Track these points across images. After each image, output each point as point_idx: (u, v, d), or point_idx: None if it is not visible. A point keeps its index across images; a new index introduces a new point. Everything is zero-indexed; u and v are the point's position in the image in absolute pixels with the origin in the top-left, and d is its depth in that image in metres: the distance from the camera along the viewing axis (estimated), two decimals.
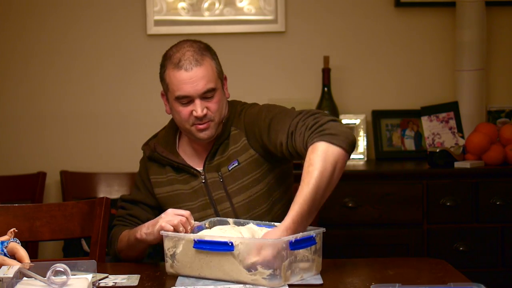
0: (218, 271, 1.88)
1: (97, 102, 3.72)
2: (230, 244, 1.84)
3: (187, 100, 2.20)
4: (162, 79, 2.26)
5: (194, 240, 1.90)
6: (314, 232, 1.92)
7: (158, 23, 3.69)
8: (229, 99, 2.34)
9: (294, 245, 1.85)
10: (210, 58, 2.23)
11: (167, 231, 1.99)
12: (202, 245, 1.89)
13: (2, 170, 3.64)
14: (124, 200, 2.39)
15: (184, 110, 2.21)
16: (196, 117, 2.20)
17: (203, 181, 2.28)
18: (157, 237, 2.05)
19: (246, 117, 2.27)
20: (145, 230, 2.10)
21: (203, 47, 2.25)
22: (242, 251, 1.83)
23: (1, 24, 3.71)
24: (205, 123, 2.21)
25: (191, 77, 2.18)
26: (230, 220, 2.12)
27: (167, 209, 2.28)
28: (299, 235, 1.87)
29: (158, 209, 2.33)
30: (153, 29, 3.69)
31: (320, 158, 1.95)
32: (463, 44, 3.55)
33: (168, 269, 1.97)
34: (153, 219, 2.25)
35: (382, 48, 3.73)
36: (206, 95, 2.20)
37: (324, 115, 2.10)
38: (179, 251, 1.94)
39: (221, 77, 2.27)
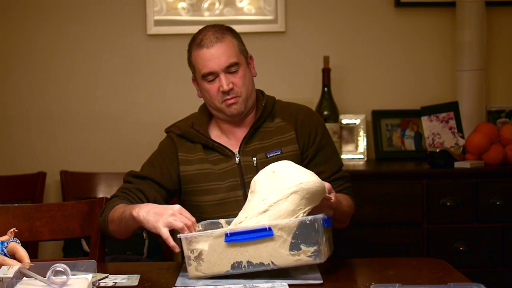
0: (256, 259, 1.84)
1: (97, 102, 3.72)
2: (268, 229, 1.83)
3: (213, 76, 2.29)
4: (190, 62, 2.37)
5: (226, 233, 1.85)
6: (327, 215, 1.95)
7: (158, 23, 3.69)
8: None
9: (327, 222, 1.88)
10: (231, 37, 2.34)
11: (168, 243, 1.94)
12: (236, 237, 1.84)
13: (2, 170, 3.64)
14: (133, 176, 2.33)
15: (212, 88, 2.30)
16: (223, 92, 2.28)
17: (237, 162, 2.31)
18: (153, 228, 1.98)
19: (300, 115, 2.37)
20: (143, 213, 2.02)
21: (224, 28, 2.36)
22: (281, 234, 1.83)
23: (1, 24, 3.71)
24: (233, 98, 2.29)
25: (213, 53, 2.28)
26: (222, 221, 2.11)
27: (191, 187, 2.31)
28: (325, 215, 1.90)
29: (168, 192, 2.32)
30: (153, 29, 3.69)
31: (351, 209, 2.27)
32: (463, 44, 3.55)
33: (194, 272, 1.88)
34: (160, 199, 2.26)
35: (382, 48, 3.73)
36: (230, 70, 2.29)
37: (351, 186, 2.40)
38: (205, 250, 1.87)
39: (245, 55, 2.36)
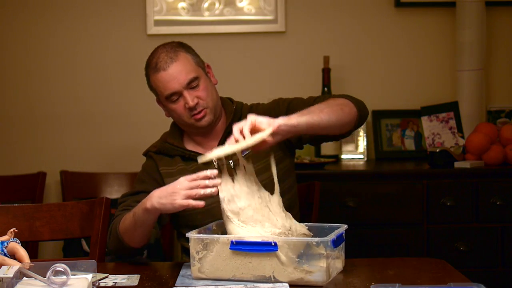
0: (258, 271, 1.84)
1: (97, 102, 3.72)
2: (273, 244, 1.82)
3: (176, 96, 2.30)
4: (150, 87, 2.39)
5: (232, 241, 1.84)
6: (343, 229, 1.96)
7: (158, 23, 3.69)
8: (222, 97, 2.43)
9: (335, 243, 1.88)
10: (184, 52, 2.33)
11: (194, 206, 1.94)
12: (240, 246, 1.84)
13: (2, 170, 3.64)
14: (127, 195, 2.35)
15: (178, 107, 2.31)
16: (190, 109, 2.29)
17: (216, 167, 2.30)
18: (173, 209, 1.99)
19: (259, 109, 2.38)
20: (156, 200, 2.01)
21: (175, 45, 2.36)
22: (286, 251, 1.82)
23: (1, 24, 3.71)
24: (201, 112, 2.30)
25: (171, 74, 2.29)
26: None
27: None
28: (335, 234, 1.88)
29: None
30: (153, 29, 3.69)
31: (329, 99, 2.19)
32: (463, 44, 3.55)
33: (196, 273, 1.88)
34: None
35: (382, 48, 3.73)
36: (191, 85, 2.30)
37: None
38: (210, 253, 1.87)
39: (202, 66, 2.36)
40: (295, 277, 1.82)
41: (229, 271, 1.85)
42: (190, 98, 2.28)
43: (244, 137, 1.92)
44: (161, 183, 2.34)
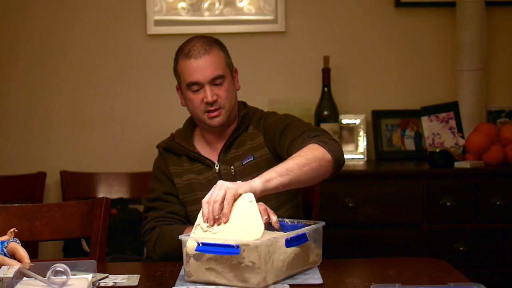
0: (299, 264, 1.91)
1: (97, 102, 3.72)
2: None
3: (198, 87, 2.32)
4: (175, 71, 2.40)
5: (286, 239, 1.85)
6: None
7: (158, 23, 3.69)
8: (240, 102, 2.46)
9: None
10: (218, 49, 2.36)
11: None
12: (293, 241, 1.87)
13: (2, 170, 3.64)
14: (152, 200, 2.37)
15: (196, 98, 2.33)
16: (207, 103, 2.31)
17: (217, 171, 2.35)
18: None
19: (266, 122, 2.38)
20: None
21: (212, 40, 2.39)
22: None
23: (2, 24, 3.71)
24: (216, 110, 2.32)
25: (200, 64, 2.31)
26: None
27: (182, 198, 2.35)
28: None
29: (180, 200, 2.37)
30: (153, 29, 3.69)
31: (309, 150, 2.07)
32: (463, 44, 3.55)
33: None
34: (186, 212, 2.31)
35: (382, 48, 3.73)
36: (215, 82, 2.32)
37: (329, 135, 2.22)
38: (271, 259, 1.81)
39: (230, 68, 2.39)
40: (319, 261, 1.98)
41: (278, 273, 1.83)
42: (210, 93, 2.30)
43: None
44: (172, 182, 2.39)
